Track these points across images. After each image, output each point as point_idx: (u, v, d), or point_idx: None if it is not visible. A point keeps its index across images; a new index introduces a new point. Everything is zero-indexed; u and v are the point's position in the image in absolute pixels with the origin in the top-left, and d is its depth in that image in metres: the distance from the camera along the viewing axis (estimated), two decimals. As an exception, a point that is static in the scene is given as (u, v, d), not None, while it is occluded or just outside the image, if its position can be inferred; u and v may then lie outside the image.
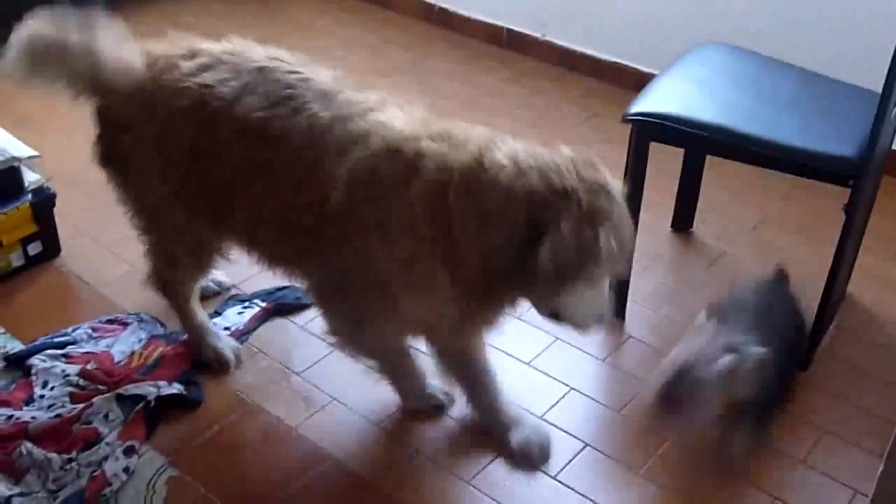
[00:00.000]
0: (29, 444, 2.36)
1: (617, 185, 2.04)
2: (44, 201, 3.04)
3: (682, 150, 3.15)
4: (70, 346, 2.69)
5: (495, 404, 2.49)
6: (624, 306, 2.86)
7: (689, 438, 2.32)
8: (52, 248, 3.10)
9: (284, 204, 2.20)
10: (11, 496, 2.26)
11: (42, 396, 2.53)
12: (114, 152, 2.41)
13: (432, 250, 2.06)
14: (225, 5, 4.97)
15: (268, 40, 2.41)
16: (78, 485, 2.30)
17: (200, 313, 2.71)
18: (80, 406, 2.47)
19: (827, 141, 2.46)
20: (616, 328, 2.86)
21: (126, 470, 2.35)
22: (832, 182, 2.47)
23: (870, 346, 2.82)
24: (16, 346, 2.71)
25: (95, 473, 2.32)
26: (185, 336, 2.73)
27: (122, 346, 2.72)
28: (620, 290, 2.77)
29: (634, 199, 2.54)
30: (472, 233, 2.00)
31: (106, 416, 2.45)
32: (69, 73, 2.27)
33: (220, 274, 2.97)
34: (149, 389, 2.50)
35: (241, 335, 2.80)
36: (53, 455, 2.35)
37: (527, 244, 1.95)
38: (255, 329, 2.84)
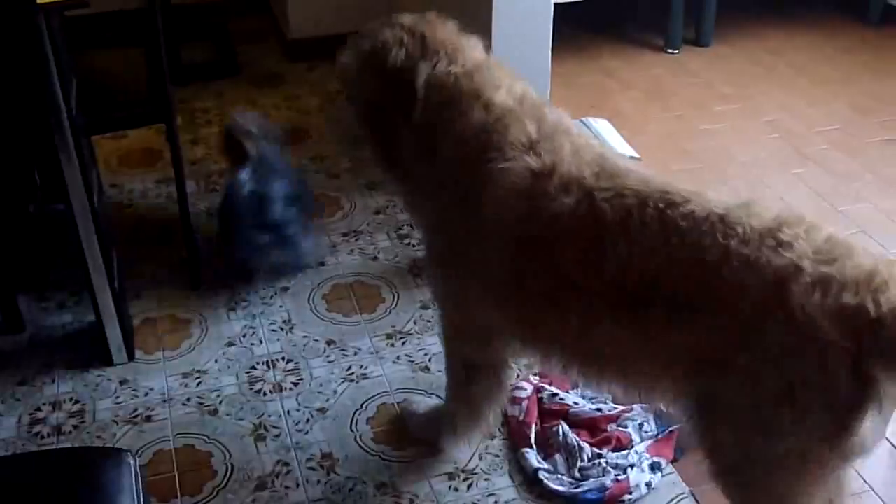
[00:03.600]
0: (566, 427, 2.42)
1: None
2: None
3: None
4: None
5: None
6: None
7: None
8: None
9: None
10: (538, 469, 2.34)
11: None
12: None
13: None
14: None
15: None
16: (601, 482, 2.31)
17: None
18: (620, 408, 2.48)
19: None
20: None
21: (648, 484, 2.32)
22: None
23: None
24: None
25: (620, 477, 2.32)
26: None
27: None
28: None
29: None
30: None
31: (641, 426, 2.44)
32: None
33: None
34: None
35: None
36: (585, 445, 2.38)
37: None
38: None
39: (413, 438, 2.47)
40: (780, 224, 1.71)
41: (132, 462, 1.70)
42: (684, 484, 2.36)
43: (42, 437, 2.51)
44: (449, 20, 2.11)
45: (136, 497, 1.65)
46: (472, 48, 2.08)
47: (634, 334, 1.81)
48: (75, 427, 2.54)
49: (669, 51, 4.60)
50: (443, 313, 2.27)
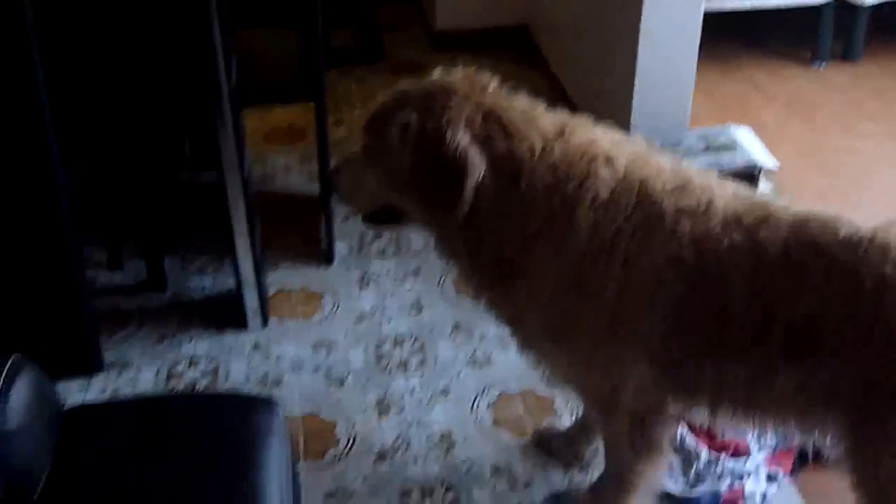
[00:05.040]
0: (685, 431, 2.41)
1: None
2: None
3: None
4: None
5: None
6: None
7: None
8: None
9: None
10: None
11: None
12: None
13: None
14: None
15: None
16: (715, 486, 2.31)
17: None
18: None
19: None
20: None
21: (763, 495, 2.32)
22: None
23: None
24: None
25: (735, 485, 2.32)
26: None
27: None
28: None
29: None
30: None
31: (761, 436, 2.40)
32: None
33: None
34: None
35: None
36: (703, 449, 2.37)
37: None
38: None
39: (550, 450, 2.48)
40: None
41: (280, 411, 1.84)
42: (800, 496, 2.34)
43: (177, 392, 2.64)
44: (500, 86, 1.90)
45: (283, 440, 1.81)
46: (545, 116, 1.87)
47: (799, 377, 1.77)
48: (208, 385, 2.67)
49: (815, 65, 4.52)
50: (589, 390, 2.05)
